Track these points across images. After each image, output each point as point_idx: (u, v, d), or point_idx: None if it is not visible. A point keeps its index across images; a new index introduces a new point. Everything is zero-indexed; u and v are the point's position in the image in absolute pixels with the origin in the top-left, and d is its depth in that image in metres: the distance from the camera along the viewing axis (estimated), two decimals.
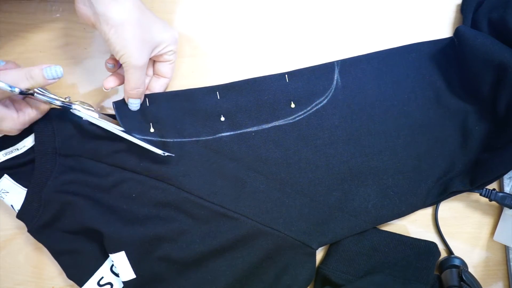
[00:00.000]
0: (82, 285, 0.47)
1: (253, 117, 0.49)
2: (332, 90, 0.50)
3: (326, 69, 0.50)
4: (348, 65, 0.50)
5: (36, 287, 0.51)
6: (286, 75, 0.49)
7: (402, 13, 0.53)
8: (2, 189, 0.47)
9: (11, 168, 0.47)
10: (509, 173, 0.51)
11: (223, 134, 0.49)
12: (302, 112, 0.49)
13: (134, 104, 0.46)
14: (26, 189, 0.46)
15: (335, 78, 0.50)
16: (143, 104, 0.47)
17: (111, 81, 0.46)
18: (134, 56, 0.42)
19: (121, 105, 0.47)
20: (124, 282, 0.46)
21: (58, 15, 0.50)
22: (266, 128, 0.49)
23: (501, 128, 0.48)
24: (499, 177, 0.49)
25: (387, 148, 0.49)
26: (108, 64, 0.46)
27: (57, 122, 0.47)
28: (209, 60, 0.51)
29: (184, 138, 0.47)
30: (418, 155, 0.50)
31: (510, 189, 0.51)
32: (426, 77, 0.50)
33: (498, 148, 0.47)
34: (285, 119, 0.49)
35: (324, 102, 0.49)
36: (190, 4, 0.51)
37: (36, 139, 0.47)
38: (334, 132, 0.49)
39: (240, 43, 0.52)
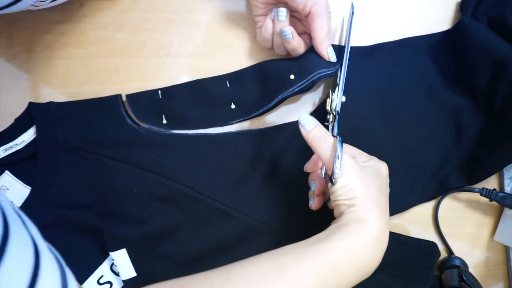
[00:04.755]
0: (82, 283, 0.47)
1: (257, 100, 0.49)
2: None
3: None
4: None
5: None
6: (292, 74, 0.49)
7: (401, 13, 0.53)
8: (2, 186, 0.46)
9: (11, 164, 0.47)
10: (509, 173, 0.51)
11: (232, 124, 0.49)
12: (302, 82, 0.47)
13: (333, 53, 0.45)
14: (27, 186, 0.46)
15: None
16: (155, 97, 0.48)
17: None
18: (322, 2, 0.42)
19: (133, 98, 0.48)
20: (124, 281, 0.46)
21: (58, 15, 0.50)
22: (270, 128, 0.49)
23: (497, 124, 0.48)
24: (494, 173, 0.50)
25: (383, 143, 0.49)
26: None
27: (57, 115, 0.47)
28: (209, 60, 0.51)
29: (196, 128, 0.48)
30: (413, 150, 0.50)
31: (510, 189, 0.51)
32: (420, 72, 0.50)
33: (494, 145, 0.47)
34: (284, 92, 0.47)
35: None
36: (191, 4, 0.51)
37: (38, 134, 0.47)
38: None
39: (240, 43, 0.52)
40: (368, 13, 0.52)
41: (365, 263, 0.35)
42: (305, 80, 0.46)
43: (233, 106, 0.49)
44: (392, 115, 0.50)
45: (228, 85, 0.49)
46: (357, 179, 0.36)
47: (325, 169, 0.42)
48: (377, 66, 0.50)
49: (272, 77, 0.48)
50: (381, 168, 0.40)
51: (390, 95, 0.50)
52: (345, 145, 0.39)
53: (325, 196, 0.44)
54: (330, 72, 0.46)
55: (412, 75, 0.50)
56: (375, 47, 0.51)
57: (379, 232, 0.35)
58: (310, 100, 0.51)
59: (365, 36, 0.52)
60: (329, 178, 0.37)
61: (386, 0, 0.52)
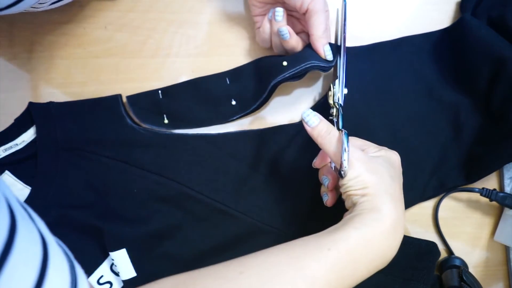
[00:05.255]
0: None
1: (255, 92, 0.49)
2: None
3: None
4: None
5: None
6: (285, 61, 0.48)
7: (401, 12, 0.53)
8: None
9: (11, 164, 0.47)
10: (510, 173, 0.51)
11: (234, 121, 0.50)
12: (294, 68, 0.46)
13: (330, 51, 0.45)
14: (27, 186, 0.47)
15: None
16: (156, 97, 0.48)
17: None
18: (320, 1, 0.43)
19: (134, 99, 0.48)
20: (124, 281, 0.46)
21: (58, 15, 0.50)
22: (270, 128, 0.49)
23: (496, 123, 0.48)
24: (493, 171, 0.50)
25: (381, 142, 0.49)
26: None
27: (57, 115, 0.47)
28: (209, 60, 0.51)
29: (198, 126, 0.49)
30: (412, 148, 0.50)
31: (510, 189, 0.51)
32: (418, 70, 0.50)
33: (492, 143, 0.47)
34: (277, 77, 0.46)
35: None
36: (191, 4, 0.51)
37: (38, 133, 0.47)
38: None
39: (240, 43, 0.52)
40: (367, 12, 0.52)
41: (382, 252, 0.35)
42: (297, 67, 0.45)
43: (233, 103, 0.49)
44: (391, 114, 0.50)
45: (228, 82, 0.49)
46: (367, 170, 0.36)
47: (334, 164, 0.42)
48: (376, 65, 0.50)
49: (267, 68, 0.48)
50: (393, 157, 0.40)
51: (389, 94, 0.50)
52: (352, 138, 0.38)
53: (338, 191, 0.43)
54: (324, 66, 0.45)
55: (411, 73, 0.50)
56: (374, 46, 0.51)
57: (393, 220, 0.35)
58: (311, 96, 0.51)
59: (364, 35, 0.52)
60: (338, 172, 0.37)
61: None
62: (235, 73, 0.49)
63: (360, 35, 0.52)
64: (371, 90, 0.50)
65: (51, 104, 0.47)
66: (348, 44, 0.50)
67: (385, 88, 0.50)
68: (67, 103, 0.48)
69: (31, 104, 0.47)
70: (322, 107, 0.50)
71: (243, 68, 0.50)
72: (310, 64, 0.45)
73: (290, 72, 0.45)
